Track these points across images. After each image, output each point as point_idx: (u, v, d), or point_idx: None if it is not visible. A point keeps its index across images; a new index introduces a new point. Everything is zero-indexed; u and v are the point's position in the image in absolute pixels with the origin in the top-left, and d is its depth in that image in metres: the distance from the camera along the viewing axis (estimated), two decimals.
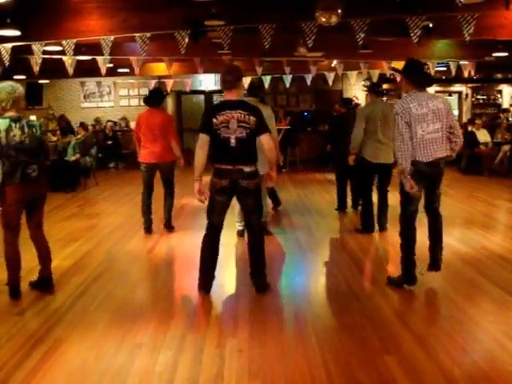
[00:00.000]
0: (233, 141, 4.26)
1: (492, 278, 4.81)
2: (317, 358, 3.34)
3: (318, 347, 3.48)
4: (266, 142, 4.34)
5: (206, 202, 4.51)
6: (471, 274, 4.90)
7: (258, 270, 4.56)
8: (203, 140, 4.34)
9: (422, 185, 4.45)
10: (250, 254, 4.59)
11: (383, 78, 12.81)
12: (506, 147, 11.55)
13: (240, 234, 6.43)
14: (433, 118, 4.35)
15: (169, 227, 6.88)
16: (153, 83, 13.68)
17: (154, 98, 6.86)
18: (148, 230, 6.77)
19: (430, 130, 4.34)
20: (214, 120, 4.27)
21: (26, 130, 4.30)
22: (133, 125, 15.72)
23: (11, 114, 4.28)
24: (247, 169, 4.32)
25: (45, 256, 4.67)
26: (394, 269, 5.25)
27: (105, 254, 5.92)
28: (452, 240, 6.23)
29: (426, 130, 4.34)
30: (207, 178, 4.45)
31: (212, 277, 4.54)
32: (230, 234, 6.79)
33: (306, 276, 5.04)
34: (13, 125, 4.24)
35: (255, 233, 4.57)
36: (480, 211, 7.58)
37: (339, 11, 5.26)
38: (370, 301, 4.36)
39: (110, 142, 14.73)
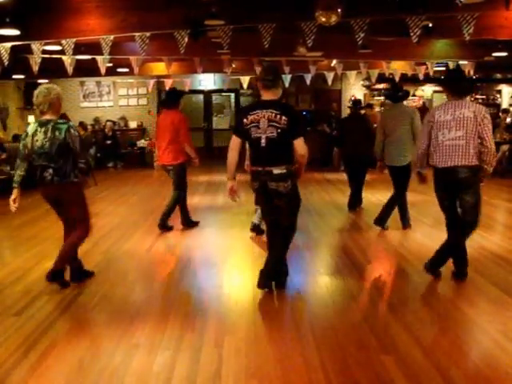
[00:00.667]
0: (263, 141, 4.19)
1: (490, 277, 4.81)
2: (314, 357, 3.33)
3: (315, 347, 3.48)
4: (299, 146, 4.19)
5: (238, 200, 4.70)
6: (469, 274, 4.89)
7: (272, 273, 4.47)
8: (234, 142, 4.39)
9: (447, 193, 4.57)
10: (268, 254, 4.54)
11: (382, 77, 12.84)
12: (504, 147, 11.56)
13: (253, 228, 6.42)
14: (455, 125, 4.37)
15: (164, 228, 6.79)
16: (152, 83, 13.68)
17: (168, 99, 6.82)
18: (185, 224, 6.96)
19: (450, 137, 4.39)
20: (245, 120, 4.26)
21: (49, 133, 4.33)
22: (132, 124, 15.98)
23: (46, 117, 4.39)
24: (277, 170, 4.19)
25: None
26: (392, 269, 5.27)
27: (103, 253, 5.91)
28: None
29: (447, 137, 4.40)
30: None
31: (281, 270, 4.54)
32: (229, 233, 6.81)
33: (303, 276, 5.03)
34: (38, 129, 4.35)
35: (285, 233, 4.46)
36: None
37: (339, 11, 5.26)
38: (367, 300, 4.37)
39: (109, 142, 14.73)
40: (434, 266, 4.74)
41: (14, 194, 4.55)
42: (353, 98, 15.61)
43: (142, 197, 9.89)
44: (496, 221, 7.40)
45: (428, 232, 6.61)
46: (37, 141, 4.34)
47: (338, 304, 4.32)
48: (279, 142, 4.16)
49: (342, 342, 3.56)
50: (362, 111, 8.66)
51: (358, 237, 6.60)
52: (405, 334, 3.68)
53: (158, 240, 6.47)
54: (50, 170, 4.39)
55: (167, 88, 13.09)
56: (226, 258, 5.70)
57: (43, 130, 4.34)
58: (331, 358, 3.34)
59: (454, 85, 4.51)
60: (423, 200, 8.59)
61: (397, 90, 7.02)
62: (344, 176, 11.53)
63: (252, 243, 6.25)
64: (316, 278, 5.01)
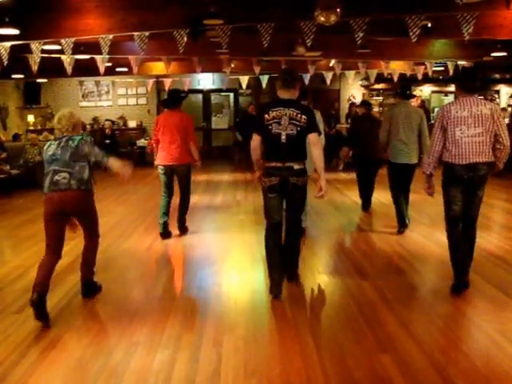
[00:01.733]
0: (283, 137, 4.36)
1: (488, 277, 4.82)
2: (313, 356, 3.35)
3: (314, 346, 3.50)
4: (313, 139, 4.42)
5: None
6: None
7: (292, 260, 4.76)
8: (256, 141, 4.53)
9: (460, 189, 4.46)
10: (286, 244, 4.70)
11: (380, 77, 12.85)
12: None
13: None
14: (474, 122, 4.37)
15: (182, 230, 6.73)
16: (151, 82, 13.69)
17: (172, 99, 6.60)
18: (164, 234, 6.53)
19: (470, 134, 4.38)
20: (266, 116, 4.40)
21: (62, 144, 4.41)
22: (131, 124, 15.98)
23: (67, 133, 4.47)
24: (297, 166, 4.41)
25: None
26: (390, 268, 5.28)
27: (102, 252, 5.87)
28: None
29: (466, 133, 4.38)
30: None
31: (281, 278, 4.52)
32: (228, 232, 6.82)
33: (302, 275, 5.04)
34: (53, 143, 4.47)
35: (295, 225, 4.71)
36: None
37: (338, 10, 5.27)
38: (365, 300, 4.37)
39: (108, 142, 14.73)
40: (460, 279, 4.52)
41: None
42: (352, 99, 15.66)
43: (141, 196, 9.90)
44: (494, 221, 7.41)
45: (426, 232, 6.63)
46: (49, 151, 4.42)
47: (337, 303, 4.34)
48: (298, 139, 4.39)
49: (341, 341, 3.58)
50: (361, 110, 8.58)
51: (357, 236, 6.61)
52: (403, 333, 3.70)
53: (157, 239, 6.47)
54: (65, 174, 4.32)
55: (166, 88, 13.11)
56: (225, 257, 5.71)
57: (57, 142, 4.45)
58: (330, 356, 3.36)
59: (464, 82, 4.53)
60: (421, 199, 8.61)
61: (407, 88, 7.02)
62: (342, 176, 11.59)
63: (251, 242, 6.26)
64: (315, 277, 5.02)
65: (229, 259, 5.63)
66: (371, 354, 3.39)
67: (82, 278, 4.60)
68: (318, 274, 5.09)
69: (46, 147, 4.49)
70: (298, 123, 4.35)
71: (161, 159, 6.47)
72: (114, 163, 4.50)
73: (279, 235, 4.62)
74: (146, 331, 3.78)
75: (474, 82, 4.52)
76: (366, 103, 8.84)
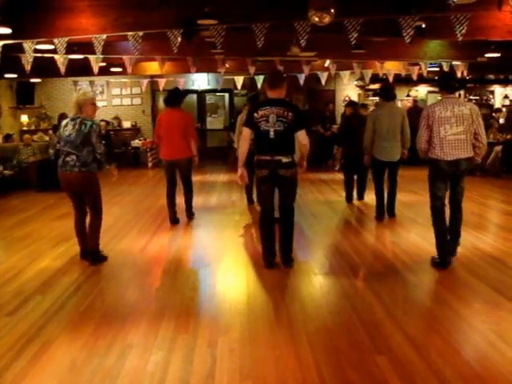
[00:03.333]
0: (272, 133, 4.90)
1: (484, 277, 4.82)
2: (308, 358, 3.34)
3: (309, 347, 3.48)
4: (301, 136, 5.01)
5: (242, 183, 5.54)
6: (463, 274, 4.92)
7: (287, 245, 5.24)
8: (246, 133, 5.05)
9: (446, 182, 5.05)
10: (281, 231, 5.26)
11: (375, 78, 12.87)
12: (497, 148, 11.59)
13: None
14: (456, 121, 4.87)
15: (190, 216, 7.49)
16: (145, 82, 13.64)
17: (173, 98, 7.11)
18: (174, 221, 7.22)
19: (452, 132, 4.88)
20: (255, 114, 4.95)
21: (77, 126, 5.23)
22: (126, 124, 15.92)
23: (78, 115, 5.33)
24: (285, 159, 4.95)
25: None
26: (386, 269, 5.27)
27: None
28: None
29: (449, 132, 4.88)
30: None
31: (274, 253, 5.24)
32: (223, 233, 6.79)
33: (297, 276, 5.02)
34: (70, 122, 5.32)
35: (289, 213, 5.20)
36: (472, 211, 7.60)
37: (332, 11, 5.25)
38: (361, 301, 4.36)
39: (102, 142, 14.67)
40: (445, 258, 5.12)
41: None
42: (347, 99, 15.67)
43: (135, 197, 9.86)
44: (489, 221, 7.42)
45: (422, 232, 6.62)
46: (66, 130, 5.26)
47: (332, 304, 4.32)
48: (285, 134, 4.93)
49: (336, 342, 3.57)
50: (349, 110, 8.84)
51: (353, 237, 6.60)
52: (399, 333, 3.68)
53: (151, 240, 6.45)
54: (73, 157, 5.20)
55: (161, 88, 13.11)
56: (219, 257, 5.68)
57: (73, 123, 5.27)
58: (325, 358, 3.34)
59: (444, 83, 5.08)
60: (417, 200, 8.62)
61: (389, 89, 7.40)
62: (339, 176, 11.59)
63: (245, 243, 6.25)
64: (310, 278, 5.00)
65: (224, 260, 5.60)
66: (367, 355, 3.37)
67: (89, 247, 5.45)
68: (314, 275, 5.07)
69: (63, 125, 5.32)
70: (285, 120, 4.89)
71: (164, 154, 7.11)
72: (98, 159, 5.33)
73: (271, 216, 5.27)
74: (140, 333, 3.75)
75: (453, 81, 5.10)
76: (352, 103, 9.27)
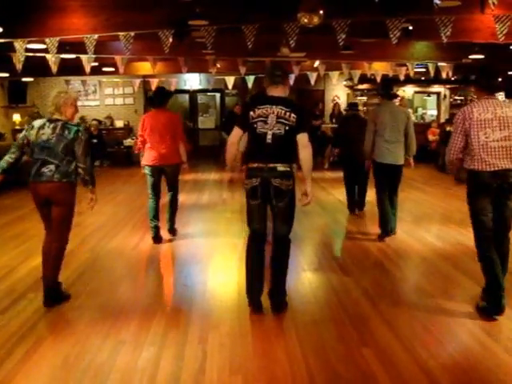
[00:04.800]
0: (269, 137, 3.97)
1: (467, 272, 4.93)
2: (297, 352, 3.41)
3: (298, 342, 3.56)
4: (303, 140, 4.02)
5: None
6: (447, 269, 5.02)
7: (277, 286, 4.15)
8: (236, 135, 4.13)
9: (489, 200, 4.01)
10: (271, 266, 4.17)
11: (363, 78, 12.99)
12: None
13: None
14: (499, 124, 3.99)
15: (173, 232, 6.59)
16: (138, 82, 13.66)
17: (158, 98, 6.40)
18: (156, 239, 6.30)
19: (495, 138, 3.98)
20: (251, 113, 4.03)
21: (58, 130, 4.30)
22: (118, 123, 15.92)
23: (55, 116, 4.38)
24: (281, 167, 3.99)
25: (48, 262, 4.37)
26: (373, 265, 5.37)
27: (88, 252, 5.94)
28: (429, 236, 6.38)
29: (491, 137, 3.99)
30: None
31: (260, 291, 4.13)
32: (214, 231, 6.86)
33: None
34: (47, 124, 4.34)
35: (280, 243, 4.13)
36: (456, 208, 7.71)
37: (321, 12, 5.33)
38: (349, 296, 4.45)
39: (94, 141, 14.68)
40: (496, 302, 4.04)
41: None
42: (336, 99, 15.79)
43: (128, 195, 9.90)
44: None
45: (408, 228, 6.74)
46: (43, 134, 4.30)
47: (320, 299, 4.41)
48: (285, 139, 4.00)
49: (324, 337, 3.65)
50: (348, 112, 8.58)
51: (341, 234, 6.70)
52: (385, 328, 3.77)
53: (143, 238, 6.50)
54: (51, 167, 4.25)
55: (153, 88, 13.10)
56: (210, 255, 5.75)
57: (52, 126, 4.32)
58: (313, 352, 3.42)
59: (487, 82, 4.20)
60: (403, 197, 8.73)
61: (389, 87, 6.89)
62: (329, 174, 11.70)
63: (236, 241, 6.31)
64: (299, 274, 5.08)
65: (214, 258, 5.68)
66: (354, 348, 3.46)
67: (47, 280, 4.29)
68: (303, 271, 5.16)
69: (37, 126, 4.34)
70: (286, 122, 3.97)
71: (148, 159, 6.23)
72: (80, 173, 4.38)
73: (260, 247, 4.13)
74: (132, 329, 3.81)
75: (494, 80, 4.20)
76: (353, 105, 8.61)
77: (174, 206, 6.52)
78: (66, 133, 4.29)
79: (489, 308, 4.00)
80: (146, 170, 6.27)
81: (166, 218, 6.52)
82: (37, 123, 4.39)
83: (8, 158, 4.47)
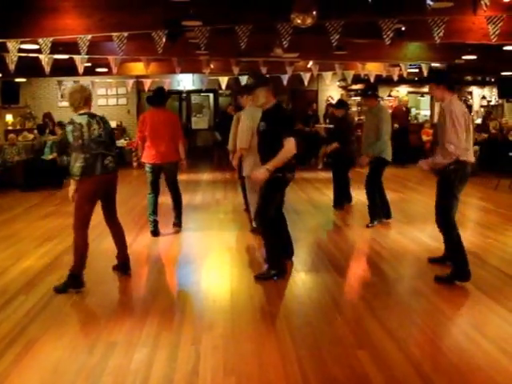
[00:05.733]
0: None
1: None
2: (291, 353, 3.40)
3: (292, 343, 3.55)
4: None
5: None
6: (442, 269, 5.02)
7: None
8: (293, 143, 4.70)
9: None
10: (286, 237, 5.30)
11: (357, 78, 13.03)
12: (474, 147, 11.79)
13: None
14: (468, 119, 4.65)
15: (179, 224, 6.87)
16: (131, 83, 13.63)
17: (159, 98, 6.61)
18: (155, 233, 6.58)
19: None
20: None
21: (101, 124, 4.62)
22: (111, 124, 15.84)
23: (85, 110, 4.60)
24: None
25: (121, 241, 5.07)
26: (367, 265, 5.37)
27: None
28: (423, 236, 6.39)
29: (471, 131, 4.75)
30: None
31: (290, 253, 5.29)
32: (207, 231, 6.85)
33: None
34: (91, 120, 4.55)
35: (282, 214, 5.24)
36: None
37: (314, 13, 5.34)
38: (342, 297, 4.46)
39: None
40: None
41: (75, 185, 4.56)
42: (330, 99, 15.80)
43: (121, 196, 9.74)
44: (467, 218, 7.56)
45: (402, 229, 6.75)
46: (94, 130, 4.52)
47: (314, 300, 4.40)
48: None
49: (318, 338, 3.64)
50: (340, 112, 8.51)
51: (335, 234, 6.70)
52: (379, 328, 3.77)
53: (136, 238, 6.47)
54: (110, 158, 4.65)
55: (146, 88, 13.11)
56: (204, 255, 5.74)
57: (95, 120, 4.58)
58: (307, 353, 3.41)
59: (451, 82, 4.75)
60: (397, 197, 8.76)
61: (367, 89, 7.29)
62: (322, 175, 11.71)
63: (230, 241, 6.31)
64: (293, 274, 5.07)
65: (208, 258, 5.67)
66: (348, 350, 3.45)
67: (126, 259, 5.09)
68: (296, 271, 5.15)
69: (86, 124, 4.48)
70: None
71: (149, 158, 6.45)
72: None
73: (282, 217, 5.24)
74: (125, 330, 3.79)
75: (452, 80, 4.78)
76: (342, 104, 8.72)
77: (179, 203, 6.82)
78: (106, 125, 4.70)
79: (458, 275, 4.62)
80: (147, 168, 6.50)
81: (175, 216, 6.81)
82: (82, 121, 4.50)
83: (80, 164, 4.50)
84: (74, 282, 4.56)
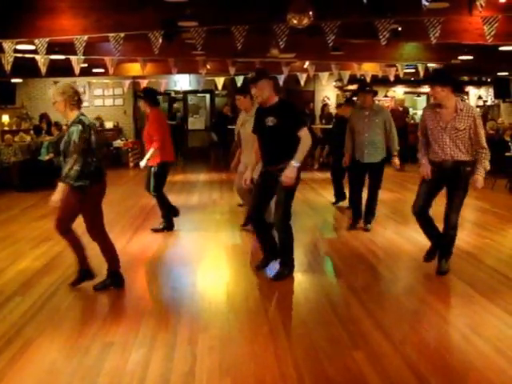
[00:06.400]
0: None
1: (457, 272, 4.94)
2: (287, 354, 3.40)
3: (287, 344, 3.55)
4: None
5: None
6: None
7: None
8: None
9: None
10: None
11: (353, 79, 13.06)
12: None
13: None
14: None
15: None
16: (127, 83, 13.63)
17: (155, 98, 6.68)
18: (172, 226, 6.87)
19: None
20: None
21: (94, 129, 4.36)
22: (108, 125, 15.86)
23: (80, 111, 4.31)
24: None
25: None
26: (363, 266, 5.38)
27: None
28: (418, 236, 6.38)
29: None
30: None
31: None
32: (203, 232, 6.85)
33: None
34: (90, 122, 4.30)
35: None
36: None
37: (310, 14, 5.35)
38: (338, 297, 4.46)
39: None
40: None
41: (64, 189, 4.26)
42: (326, 99, 15.84)
43: (117, 197, 9.82)
44: (462, 218, 7.54)
45: (398, 229, 6.77)
46: (96, 133, 4.36)
47: (310, 301, 4.40)
48: None
49: (314, 338, 3.64)
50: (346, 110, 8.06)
51: (331, 235, 6.71)
52: (374, 328, 3.77)
53: (132, 239, 6.48)
54: (103, 164, 4.51)
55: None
56: (200, 256, 5.74)
57: (91, 124, 4.36)
58: (303, 354, 3.41)
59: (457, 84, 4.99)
60: (393, 197, 8.80)
61: (365, 85, 7.14)
62: (318, 175, 11.73)
63: (226, 242, 6.31)
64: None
65: (204, 259, 5.66)
66: (344, 350, 3.45)
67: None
68: (293, 272, 5.15)
69: (90, 126, 4.27)
70: None
71: (170, 156, 6.62)
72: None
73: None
74: (121, 331, 3.79)
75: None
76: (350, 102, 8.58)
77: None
78: (95, 130, 4.38)
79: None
80: (165, 167, 6.59)
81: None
82: (87, 122, 4.25)
83: (77, 167, 4.23)
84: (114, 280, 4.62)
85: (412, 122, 15.59)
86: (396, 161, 6.64)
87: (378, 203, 6.80)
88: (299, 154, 4.55)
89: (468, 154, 4.72)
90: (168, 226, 6.79)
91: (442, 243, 4.91)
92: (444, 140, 4.66)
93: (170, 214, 6.85)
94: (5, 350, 3.51)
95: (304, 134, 4.56)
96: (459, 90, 4.58)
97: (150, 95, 6.64)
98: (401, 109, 14.49)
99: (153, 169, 6.51)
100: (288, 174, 4.55)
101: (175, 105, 16.92)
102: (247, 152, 6.10)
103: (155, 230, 6.74)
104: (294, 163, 4.54)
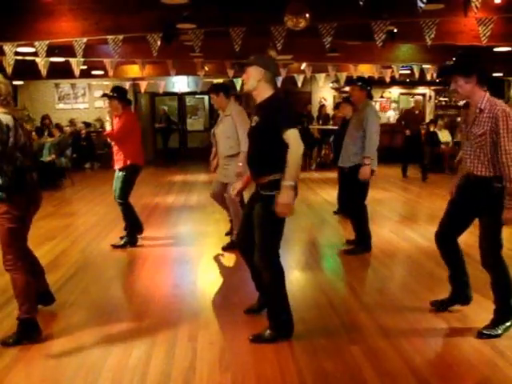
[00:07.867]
0: None
1: None
2: (286, 350, 3.46)
3: (286, 340, 3.59)
4: None
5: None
6: (432, 267, 5.09)
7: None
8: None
9: None
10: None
11: (350, 80, 13.09)
12: None
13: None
14: None
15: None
16: (127, 85, 13.68)
17: (127, 96, 6.24)
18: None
19: None
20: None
21: (23, 128, 3.57)
22: (108, 126, 15.83)
23: (11, 109, 3.51)
24: None
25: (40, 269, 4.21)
26: (360, 263, 5.45)
27: (80, 252, 5.97)
28: (415, 235, 6.47)
29: None
30: None
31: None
32: (203, 231, 6.91)
33: None
34: (17, 123, 3.45)
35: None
36: (441, 207, 7.73)
37: (307, 16, 5.42)
38: (336, 294, 4.52)
39: (83, 143, 14.69)
40: None
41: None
42: (323, 101, 15.90)
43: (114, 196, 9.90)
44: None
45: (394, 228, 6.83)
46: (21, 135, 3.49)
47: (308, 298, 4.46)
48: None
49: (312, 334, 3.70)
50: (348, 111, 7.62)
51: (328, 233, 6.77)
52: (371, 324, 3.85)
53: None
54: (34, 173, 3.72)
55: (142, 90, 13.26)
56: (200, 255, 5.80)
57: (18, 124, 3.52)
58: (302, 349, 3.47)
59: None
60: (390, 197, 8.86)
61: (356, 79, 6.56)
62: (316, 175, 11.80)
63: (225, 241, 6.35)
64: (287, 272, 5.02)
65: (204, 258, 5.72)
66: (342, 346, 3.51)
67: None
68: (291, 269, 5.20)
69: (11, 123, 3.44)
70: None
71: (141, 159, 6.19)
72: None
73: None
74: (123, 328, 3.85)
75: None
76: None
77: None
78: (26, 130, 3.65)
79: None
80: (135, 170, 6.15)
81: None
82: (9, 122, 3.40)
83: None
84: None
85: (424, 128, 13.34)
86: (363, 170, 5.36)
87: (361, 227, 5.79)
88: (290, 168, 3.36)
89: (493, 168, 3.50)
90: (131, 241, 6.07)
91: (461, 293, 3.99)
92: (465, 148, 3.66)
93: (134, 226, 6.15)
94: (8, 348, 3.55)
95: (291, 138, 3.36)
96: (487, 82, 3.35)
97: (123, 94, 6.10)
98: (417, 112, 12.26)
99: (120, 173, 6.05)
100: (281, 201, 3.38)
101: (162, 106, 16.89)
102: (222, 155, 5.84)
103: (115, 247, 6.04)
104: (286, 183, 3.37)
